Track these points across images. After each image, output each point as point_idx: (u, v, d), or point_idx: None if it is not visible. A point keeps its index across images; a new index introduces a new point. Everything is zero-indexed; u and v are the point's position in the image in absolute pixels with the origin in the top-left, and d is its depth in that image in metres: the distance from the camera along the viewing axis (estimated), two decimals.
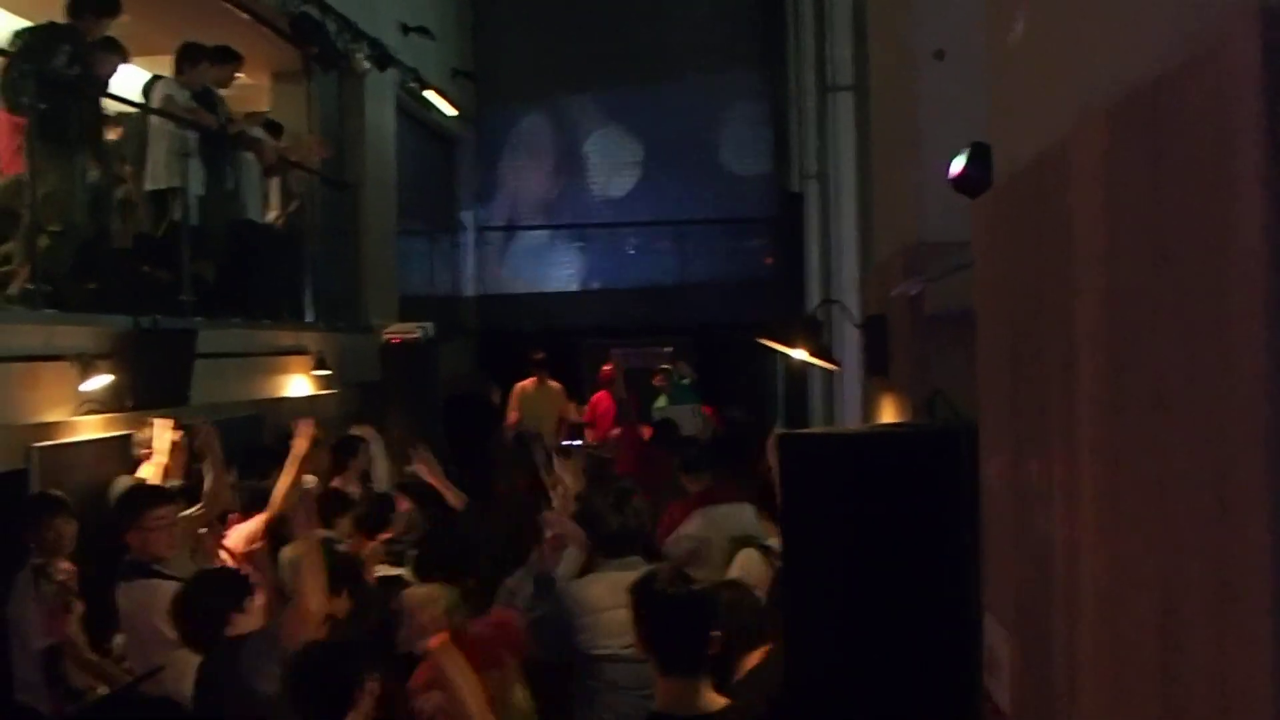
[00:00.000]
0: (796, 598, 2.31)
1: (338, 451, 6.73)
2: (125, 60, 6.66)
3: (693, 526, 5.42)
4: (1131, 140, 1.12)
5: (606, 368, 11.10)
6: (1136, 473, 1.13)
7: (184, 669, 3.67)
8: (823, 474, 2.24)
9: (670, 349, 13.26)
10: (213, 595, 3.68)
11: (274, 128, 8.84)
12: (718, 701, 2.81)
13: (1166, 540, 1.05)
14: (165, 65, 7.48)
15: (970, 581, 1.93)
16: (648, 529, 3.92)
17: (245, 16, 8.72)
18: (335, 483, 6.26)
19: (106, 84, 6.55)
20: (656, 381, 10.94)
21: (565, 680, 3.79)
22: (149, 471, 5.45)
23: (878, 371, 3.77)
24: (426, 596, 3.61)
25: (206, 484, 5.01)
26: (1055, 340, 1.39)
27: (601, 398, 10.90)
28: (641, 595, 2.97)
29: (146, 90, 7.24)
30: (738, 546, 4.90)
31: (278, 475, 5.07)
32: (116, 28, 6.51)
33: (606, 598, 3.61)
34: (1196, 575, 0.98)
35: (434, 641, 3.04)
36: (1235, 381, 0.89)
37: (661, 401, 10.80)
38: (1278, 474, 0.84)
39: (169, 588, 4.04)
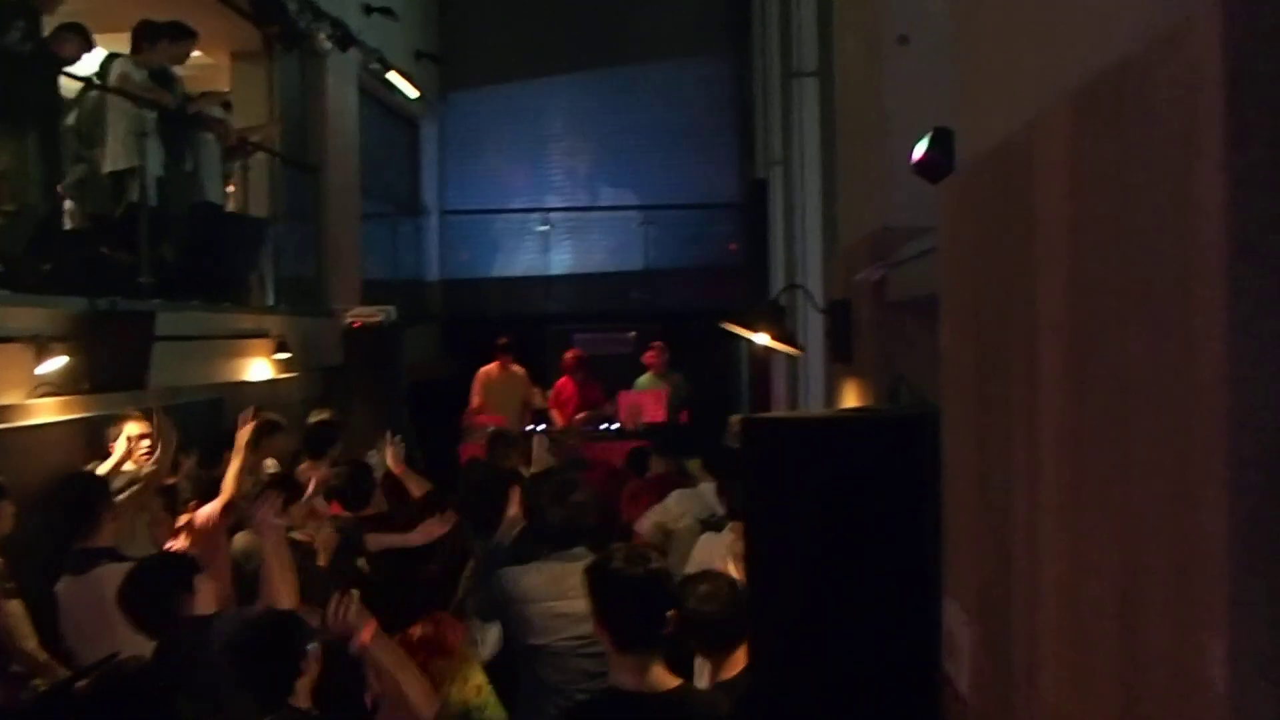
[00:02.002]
0: (758, 581, 2.32)
1: (313, 439, 6.67)
2: (89, 47, 6.53)
3: (671, 504, 5.48)
4: (1096, 126, 1.12)
5: (569, 355, 11.11)
6: (1098, 459, 1.13)
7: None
8: (786, 458, 2.25)
9: (634, 334, 13.25)
10: (161, 577, 3.65)
11: (225, 107, 8.72)
12: (669, 680, 2.85)
13: (1127, 526, 1.06)
14: (122, 43, 7.35)
15: (931, 566, 1.94)
16: (592, 521, 3.82)
17: None
18: (303, 468, 6.22)
19: (66, 66, 6.42)
20: (647, 359, 10.78)
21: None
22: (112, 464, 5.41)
23: (841, 357, 3.77)
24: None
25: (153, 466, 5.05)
26: (1019, 327, 1.39)
27: (565, 384, 10.90)
28: (598, 574, 2.99)
29: (103, 68, 7.11)
30: (702, 528, 4.94)
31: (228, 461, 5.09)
32: (73, 2, 6.38)
33: (542, 589, 3.57)
34: (1156, 561, 0.99)
35: (365, 636, 2.99)
36: (1197, 370, 0.89)
37: (645, 379, 10.69)
38: (1238, 462, 0.84)
39: None
